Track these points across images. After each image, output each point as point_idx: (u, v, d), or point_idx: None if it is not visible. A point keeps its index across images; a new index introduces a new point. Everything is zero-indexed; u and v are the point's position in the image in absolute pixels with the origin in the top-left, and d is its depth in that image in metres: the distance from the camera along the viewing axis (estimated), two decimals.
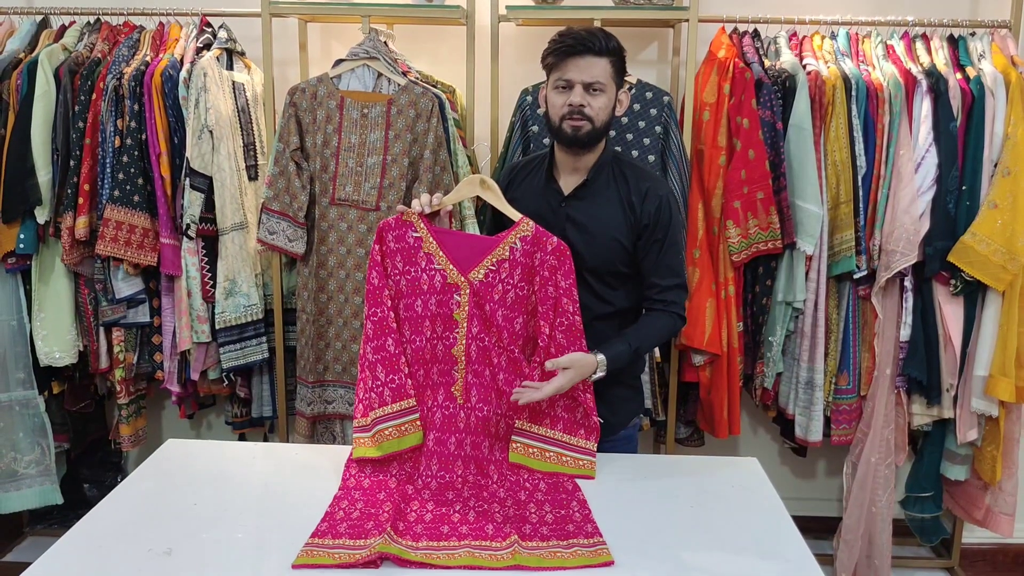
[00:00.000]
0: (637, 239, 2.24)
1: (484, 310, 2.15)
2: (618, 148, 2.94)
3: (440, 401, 2.17)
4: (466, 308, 2.16)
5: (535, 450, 2.14)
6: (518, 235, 2.16)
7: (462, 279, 2.16)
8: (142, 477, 2.15)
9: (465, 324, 2.16)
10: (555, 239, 2.16)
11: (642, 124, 2.96)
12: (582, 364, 2.09)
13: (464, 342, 2.16)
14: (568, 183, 2.29)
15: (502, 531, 1.84)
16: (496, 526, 1.87)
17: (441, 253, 2.17)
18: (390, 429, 2.12)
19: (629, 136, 2.96)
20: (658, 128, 2.96)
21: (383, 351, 2.15)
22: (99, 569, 1.72)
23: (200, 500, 2.01)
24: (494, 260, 2.16)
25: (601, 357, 2.12)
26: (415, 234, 2.18)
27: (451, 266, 2.17)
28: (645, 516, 1.96)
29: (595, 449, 2.16)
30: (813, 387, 3.09)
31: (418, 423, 2.14)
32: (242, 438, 3.56)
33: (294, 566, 1.70)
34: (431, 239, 2.18)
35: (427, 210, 2.19)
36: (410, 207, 2.19)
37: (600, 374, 2.13)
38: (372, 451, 2.12)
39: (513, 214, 2.20)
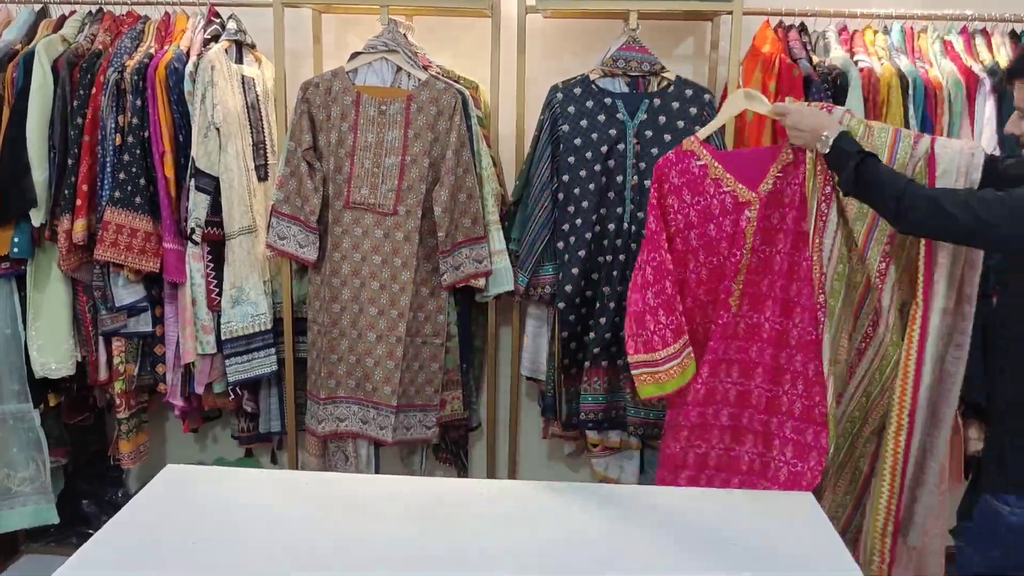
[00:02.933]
0: None
1: (770, 221, 2.27)
2: (654, 150, 2.75)
3: (716, 313, 2.34)
4: (755, 222, 2.27)
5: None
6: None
7: (752, 195, 2.26)
8: (136, 509, 1.98)
9: (751, 238, 2.27)
10: None
11: (681, 123, 2.76)
12: (814, 115, 2.14)
13: (748, 255, 2.28)
14: None
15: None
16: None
17: (728, 175, 2.28)
18: (674, 368, 2.30)
19: (667, 137, 2.76)
20: (697, 128, 2.75)
21: (663, 295, 2.29)
22: None
23: (199, 537, 1.84)
24: (779, 167, 2.26)
25: (836, 129, 2.09)
26: (699, 163, 2.30)
27: (740, 185, 2.27)
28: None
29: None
30: None
31: (692, 354, 2.34)
32: (248, 454, 3.41)
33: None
34: (716, 164, 2.29)
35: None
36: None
37: (820, 145, 2.11)
38: (653, 388, 2.32)
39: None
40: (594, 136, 2.78)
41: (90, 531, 3.29)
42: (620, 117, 2.78)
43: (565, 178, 2.80)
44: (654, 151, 2.76)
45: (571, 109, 2.79)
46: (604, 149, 2.77)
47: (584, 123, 2.78)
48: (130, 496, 3.30)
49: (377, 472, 2.99)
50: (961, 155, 2.10)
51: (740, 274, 2.29)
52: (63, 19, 3.07)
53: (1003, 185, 1.91)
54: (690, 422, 2.37)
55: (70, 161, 2.88)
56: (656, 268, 2.29)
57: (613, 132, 2.77)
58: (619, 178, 2.79)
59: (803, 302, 2.22)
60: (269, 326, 3.04)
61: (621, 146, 2.78)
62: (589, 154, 2.78)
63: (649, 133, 2.76)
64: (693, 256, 2.32)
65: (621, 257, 2.81)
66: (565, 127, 2.80)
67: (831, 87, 2.79)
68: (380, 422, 2.87)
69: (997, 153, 2.50)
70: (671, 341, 2.29)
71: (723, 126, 2.73)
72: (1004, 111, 2.73)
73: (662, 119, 2.77)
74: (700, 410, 2.36)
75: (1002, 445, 2.01)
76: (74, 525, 3.34)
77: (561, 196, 2.81)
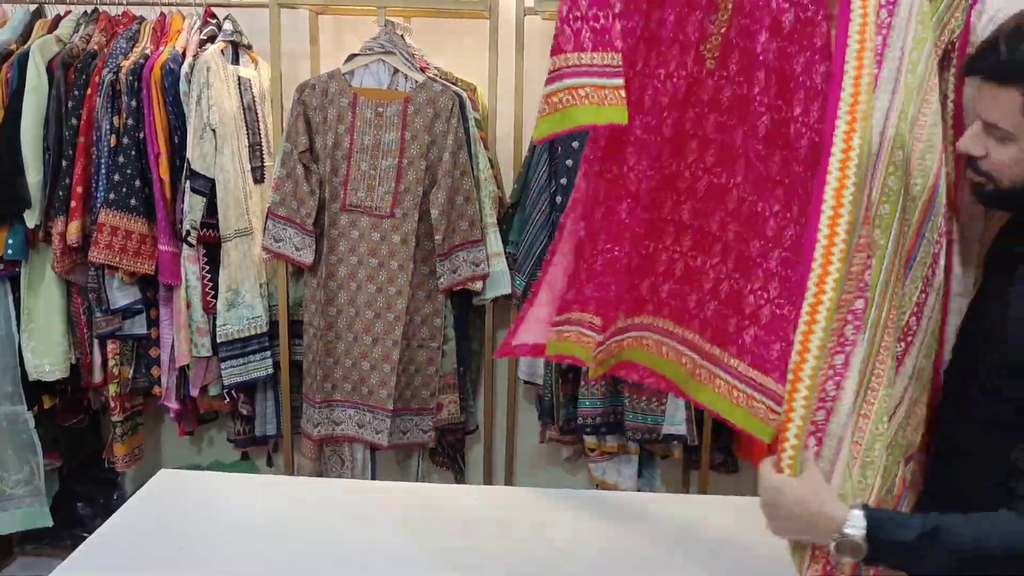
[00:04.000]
0: None
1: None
2: None
3: (680, 59, 1.60)
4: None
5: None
6: None
7: None
8: (129, 513, 1.96)
9: (729, 6, 1.57)
10: None
11: None
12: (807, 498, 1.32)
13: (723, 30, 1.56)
14: None
15: (706, 322, 1.73)
16: (701, 304, 1.74)
17: None
18: (587, 89, 1.56)
19: None
20: None
21: None
22: None
23: (191, 542, 1.83)
24: None
25: (856, 513, 1.27)
26: None
27: None
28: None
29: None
30: None
31: (622, 93, 1.58)
32: (244, 457, 3.39)
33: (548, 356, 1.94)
34: None
35: None
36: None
37: (848, 552, 1.27)
38: (548, 123, 1.61)
39: None
40: None
41: (84, 534, 3.24)
42: None
43: (563, 181, 2.77)
44: None
45: None
46: None
47: None
48: (125, 499, 3.28)
49: (373, 476, 2.97)
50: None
51: (723, 8, 1.59)
52: (58, 19, 3.04)
53: None
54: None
55: (64, 162, 2.86)
56: None
57: None
58: None
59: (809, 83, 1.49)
60: (265, 329, 3.01)
61: None
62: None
63: None
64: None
65: None
66: None
67: None
68: (376, 426, 2.85)
69: None
70: (588, 47, 1.55)
71: None
72: None
73: None
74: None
75: None
76: (68, 528, 3.30)
77: (559, 199, 2.79)
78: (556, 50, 1.56)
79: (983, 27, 1.57)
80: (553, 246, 1.95)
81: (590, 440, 3.00)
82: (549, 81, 1.58)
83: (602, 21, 1.55)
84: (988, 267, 1.60)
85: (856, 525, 1.25)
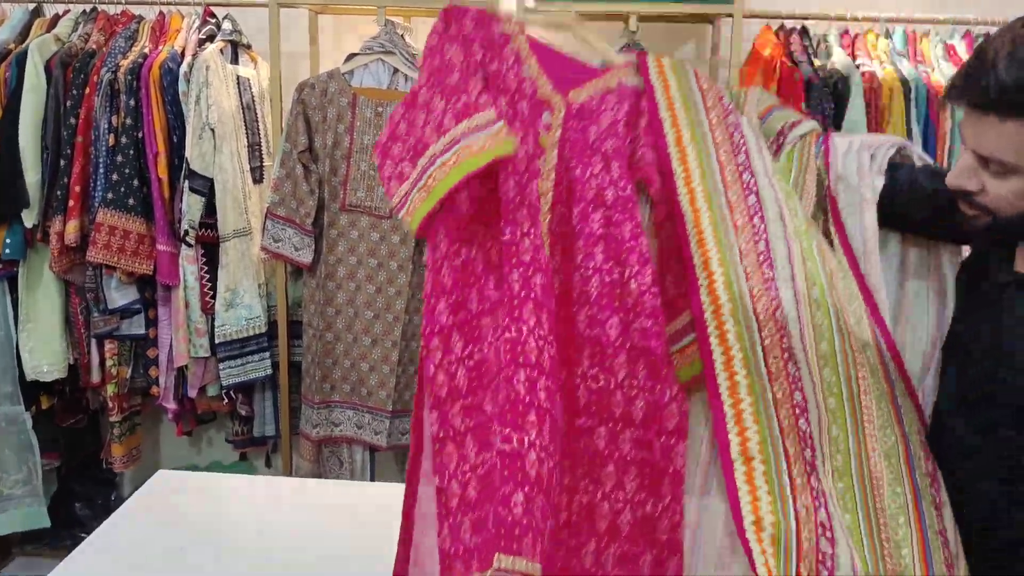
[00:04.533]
0: None
1: (586, 137, 1.50)
2: None
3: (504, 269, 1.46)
4: (558, 132, 1.48)
5: None
6: (625, 76, 1.53)
7: (557, 97, 1.49)
8: (127, 515, 1.95)
9: (555, 152, 1.47)
10: None
11: None
12: None
13: (552, 176, 1.46)
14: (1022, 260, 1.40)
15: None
16: None
17: (533, 59, 1.51)
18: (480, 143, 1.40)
19: None
20: None
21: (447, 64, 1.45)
22: None
23: (189, 544, 1.81)
24: (599, 87, 1.52)
25: None
26: (505, 29, 1.50)
27: (544, 77, 1.50)
28: None
29: None
30: None
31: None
32: (243, 457, 3.38)
33: None
34: (524, 41, 1.51)
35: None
36: None
37: None
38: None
39: (613, 57, 1.60)
40: None
41: (83, 534, 3.24)
42: None
43: None
44: None
45: None
46: None
47: None
48: (123, 499, 3.27)
49: (372, 478, 2.96)
50: (859, 152, 1.50)
51: (543, 202, 1.45)
52: (57, 18, 3.03)
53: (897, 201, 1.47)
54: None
55: (63, 162, 2.85)
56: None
57: None
58: None
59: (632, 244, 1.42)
60: (264, 329, 2.99)
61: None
62: None
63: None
64: None
65: None
66: None
67: (832, 91, 2.76)
68: (375, 427, 2.84)
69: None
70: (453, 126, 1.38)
71: None
72: None
73: None
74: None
75: None
76: (67, 528, 3.30)
77: None
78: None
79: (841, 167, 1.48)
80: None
81: None
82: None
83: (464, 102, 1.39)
84: (969, 309, 1.47)
85: None
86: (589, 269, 1.42)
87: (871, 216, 1.43)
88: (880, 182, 1.46)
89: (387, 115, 2.76)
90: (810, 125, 1.51)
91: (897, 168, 1.49)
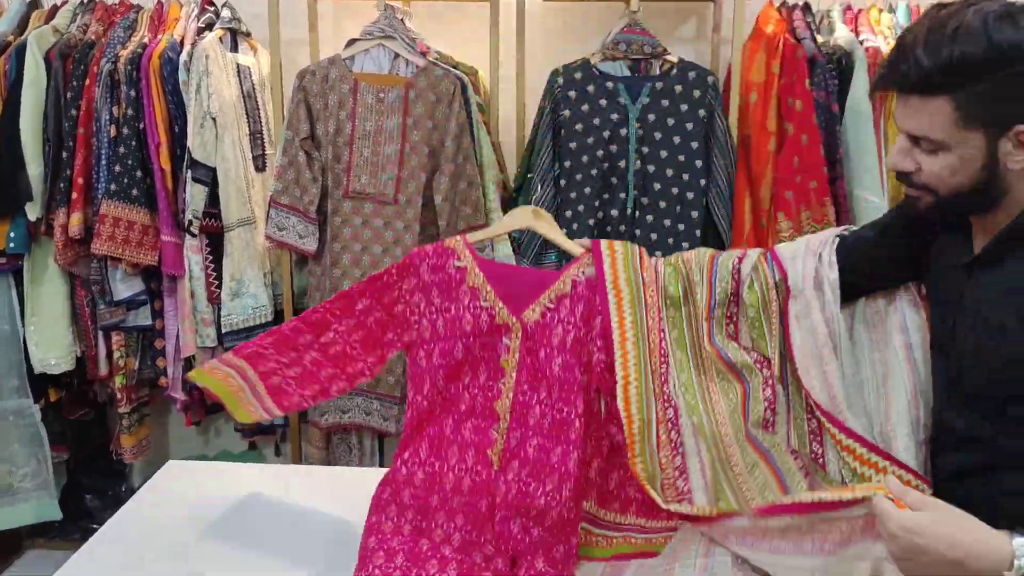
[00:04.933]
0: None
1: (538, 358, 1.74)
2: (657, 134, 2.71)
3: (470, 465, 1.74)
4: (516, 355, 1.74)
5: (599, 537, 1.77)
6: (582, 269, 1.76)
7: (513, 320, 1.74)
8: (138, 506, 1.95)
9: (514, 375, 1.74)
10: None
11: (684, 107, 2.72)
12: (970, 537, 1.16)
13: (511, 396, 1.74)
14: (981, 239, 1.46)
15: None
16: None
17: (489, 288, 1.76)
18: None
19: (670, 120, 2.71)
20: (702, 112, 2.71)
21: (305, 355, 1.84)
22: None
23: (201, 536, 1.81)
24: (552, 296, 1.74)
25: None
26: (458, 264, 1.78)
27: (500, 304, 1.75)
28: None
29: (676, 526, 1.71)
30: None
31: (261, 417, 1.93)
32: (252, 446, 3.39)
33: None
34: (477, 271, 1.77)
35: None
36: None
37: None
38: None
39: (572, 248, 1.82)
40: (596, 121, 2.73)
41: (94, 526, 3.28)
42: (622, 101, 2.73)
43: (567, 164, 2.75)
44: (657, 135, 2.71)
45: (572, 94, 2.74)
46: (606, 134, 2.73)
47: (585, 108, 2.74)
48: (134, 490, 3.28)
49: (382, 464, 2.96)
50: (805, 256, 1.66)
51: (501, 421, 1.74)
52: (55, 9, 3.01)
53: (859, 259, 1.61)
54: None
55: (65, 154, 2.84)
56: (320, 325, 1.82)
57: (615, 117, 2.73)
58: (621, 163, 2.74)
59: (562, 471, 1.68)
60: (270, 318, 2.99)
61: (623, 131, 2.73)
62: (591, 139, 2.73)
63: (652, 117, 2.72)
64: (443, 375, 1.76)
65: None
66: (566, 112, 2.75)
67: (836, 68, 2.74)
68: (383, 413, 2.84)
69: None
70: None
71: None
72: None
73: (665, 103, 2.72)
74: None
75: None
76: (77, 520, 3.31)
77: (563, 182, 2.77)
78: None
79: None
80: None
81: None
82: None
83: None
84: (939, 300, 1.53)
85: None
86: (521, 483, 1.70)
87: (828, 311, 1.60)
88: (835, 274, 1.60)
89: (388, 100, 2.74)
90: (753, 254, 1.71)
91: (843, 240, 1.65)
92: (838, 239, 1.65)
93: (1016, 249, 1.36)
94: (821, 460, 1.63)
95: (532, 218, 1.84)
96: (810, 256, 1.64)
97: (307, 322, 1.81)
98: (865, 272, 1.63)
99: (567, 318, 1.74)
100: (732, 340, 1.72)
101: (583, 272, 1.75)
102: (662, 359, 1.72)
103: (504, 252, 2.82)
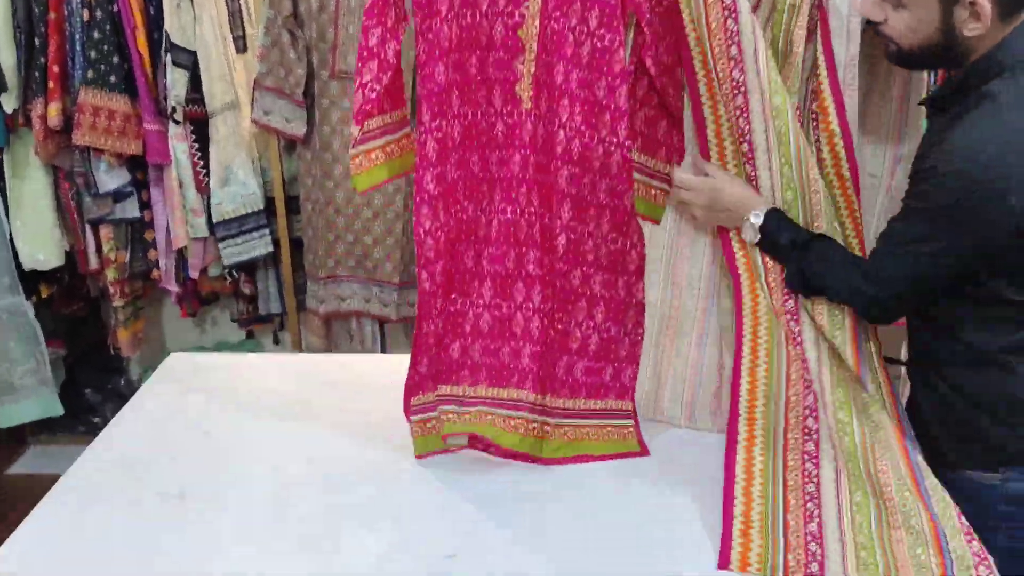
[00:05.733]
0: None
1: None
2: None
3: (498, 107, 1.60)
4: None
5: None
6: None
7: None
8: (145, 400, 1.95)
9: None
10: None
11: None
12: (733, 190, 1.60)
13: (537, 22, 1.54)
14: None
15: (536, 377, 1.64)
16: (534, 358, 1.64)
17: None
18: (391, 145, 1.68)
19: None
20: None
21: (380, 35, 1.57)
22: (104, 520, 1.52)
23: (212, 427, 1.81)
24: None
25: (764, 210, 1.58)
26: None
27: None
28: None
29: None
30: None
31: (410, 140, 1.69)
32: (250, 336, 3.38)
33: (418, 456, 1.68)
34: None
35: None
36: None
37: (749, 233, 1.60)
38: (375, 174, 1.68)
39: None
40: None
41: (95, 419, 3.29)
42: None
43: None
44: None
45: None
46: None
47: None
48: (133, 384, 3.29)
49: (383, 350, 2.96)
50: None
51: (527, 51, 1.57)
52: None
53: None
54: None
55: (37, 41, 2.72)
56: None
57: None
58: None
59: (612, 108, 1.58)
60: (261, 206, 2.93)
61: None
62: None
63: None
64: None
65: None
66: None
67: None
68: (383, 299, 2.82)
69: None
70: (388, 108, 1.64)
71: None
72: None
73: None
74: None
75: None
76: (79, 415, 3.32)
77: None
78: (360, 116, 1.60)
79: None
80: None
81: None
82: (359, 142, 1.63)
83: (384, 83, 1.58)
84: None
85: (759, 216, 1.58)
86: (571, 130, 1.59)
87: (855, 46, 1.59)
88: (858, 22, 1.60)
89: None
90: None
91: None
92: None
93: (957, 100, 1.45)
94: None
95: None
96: None
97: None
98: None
99: None
100: None
101: None
102: None
103: None
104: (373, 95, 1.58)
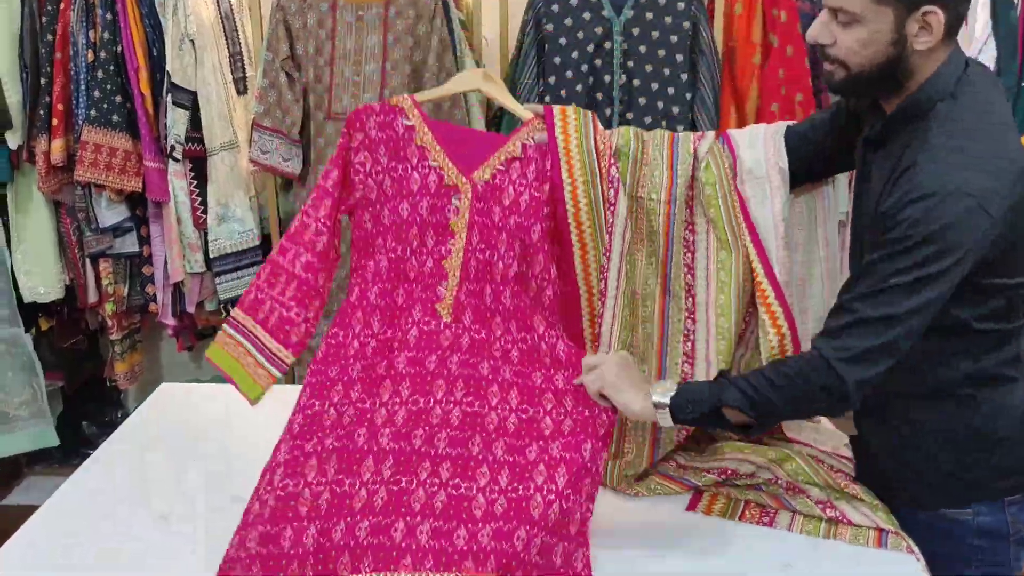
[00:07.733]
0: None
1: (491, 217, 1.70)
2: (643, 48, 2.68)
3: (417, 318, 1.69)
4: (466, 216, 1.69)
5: None
6: (532, 133, 1.72)
7: (463, 180, 1.69)
8: (134, 428, 1.99)
9: (464, 234, 1.69)
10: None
11: (668, 20, 2.68)
12: (617, 378, 1.52)
13: (461, 255, 1.69)
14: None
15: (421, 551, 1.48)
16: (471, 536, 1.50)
17: (438, 147, 1.71)
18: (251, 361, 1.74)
19: (655, 33, 2.68)
20: (686, 24, 2.68)
21: (307, 270, 1.69)
22: (90, 537, 1.56)
23: (198, 456, 1.84)
24: (503, 158, 1.71)
25: (662, 388, 1.50)
26: (406, 123, 1.72)
27: (449, 163, 1.70)
28: None
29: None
30: None
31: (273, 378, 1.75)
32: None
33: None
34: (426, 130, 1.72)
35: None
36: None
37: (659, 418, 1.50)
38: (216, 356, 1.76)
39: (522, 113, 1.79)
40: (579, 35, 2.70)
41: (91, 451, 3.30)
42: (605, 14, 2.70)
43: (551, 80, 2.73)
44: (642, 48, 2.69)
45: (555, 8, 2.70)
46: (590, 48, 2.70)
47: (568, 21, 2.70)
48: (129, 416, 3.31)
49: None
50: (764, 142, 1.71)
51: (450, 278, 1.69)
52: None
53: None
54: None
55: (43, 80, 2.81)
56: (300, 231, 1.69)
57: (599, 30, 2.69)
58: (606, 78, 2.72)
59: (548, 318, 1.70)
60: (257, 242, 2.99)
61: (608, 44, 2.70)
62: (575, 54, 2.70)
63: (636, 30, 2.69)
64: (382, 238, 1.70)
65: None
66: (549, 27, 2.72)
67: None
68: None
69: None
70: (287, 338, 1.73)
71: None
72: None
73: (649, 15, 2.69)
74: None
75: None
76: (76, 447, 3.34)
77: (548, 98, 2.74)
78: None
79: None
80: None
81: None
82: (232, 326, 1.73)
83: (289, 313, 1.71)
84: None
85: (663, 396, 1.47)
86: (507, 341, 1.68)
87: (779, 202, 1.67)
88: (784, 162, 1.67)
89: (367, 18, 2.70)
90: (709, 135, 1.76)
91: (793, 128, 1.73)
92: (787, 127, 1.72)
93: (900, 132, 1.46)
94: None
95: (481, 80, 1.79)
96: (764, 141, 1.71)
97: (288, 234, 1.71)
98: (816, 156, 1.71)
99: (519, 180, 1.71)
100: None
101: (533, 136, 1.72)
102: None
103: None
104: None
